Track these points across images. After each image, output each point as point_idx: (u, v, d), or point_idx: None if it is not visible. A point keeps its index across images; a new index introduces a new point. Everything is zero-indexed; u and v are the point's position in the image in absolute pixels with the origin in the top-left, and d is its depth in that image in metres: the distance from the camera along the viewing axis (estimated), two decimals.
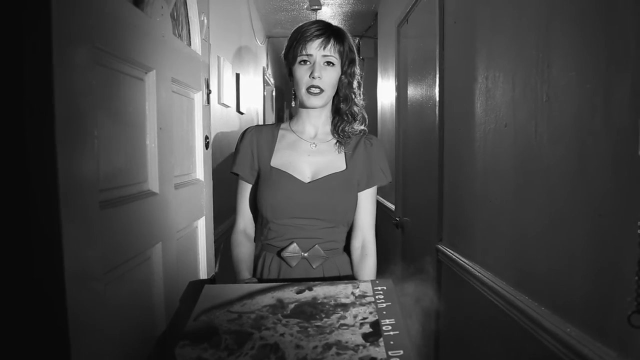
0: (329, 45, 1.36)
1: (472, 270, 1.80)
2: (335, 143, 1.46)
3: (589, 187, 1.09)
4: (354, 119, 1.46)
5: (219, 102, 2.83)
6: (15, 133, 0.69)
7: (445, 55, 2.24)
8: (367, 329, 0.79)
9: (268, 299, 0.93)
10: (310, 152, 1.44)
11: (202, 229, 1.48)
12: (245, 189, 1.47)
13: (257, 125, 1.50)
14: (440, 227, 2.29)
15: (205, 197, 1.48)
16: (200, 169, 1.46)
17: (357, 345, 0.74)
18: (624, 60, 0.97)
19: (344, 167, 1.44)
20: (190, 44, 1.43)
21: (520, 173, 1.44)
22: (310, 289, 0.96)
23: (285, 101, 8.05)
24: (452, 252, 2.09)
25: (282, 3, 4.37)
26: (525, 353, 1.40)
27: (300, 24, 1.40)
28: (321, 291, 0.94)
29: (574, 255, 1.15)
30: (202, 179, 1.47)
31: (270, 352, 0.75)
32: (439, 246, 2.26)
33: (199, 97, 1.44)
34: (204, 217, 1.48)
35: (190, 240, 1.40)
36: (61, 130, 0.70)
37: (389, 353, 0.73)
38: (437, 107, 2.28)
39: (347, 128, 1.45)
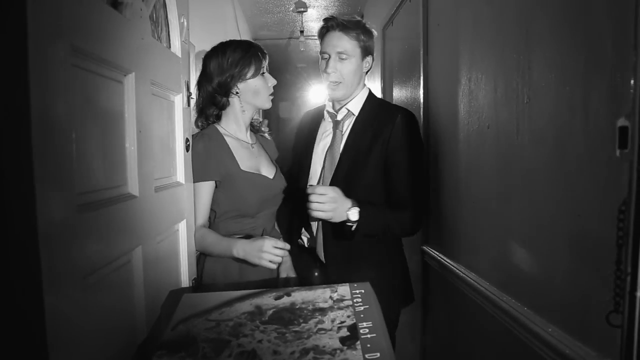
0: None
1: (457, 271, 1.81)
2: (255, 142, 1.76)
3: (568, 188, 1.10)
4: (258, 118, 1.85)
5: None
6: None
7: (429, 57, 2.25)
8: (344, 332, 0.79)
9: (246, 306, 0.93)
10: (255, 153, 1.71)
11: (184, 232, 1.47)
12: (210, 191, 1.60)
13: (202, 133, 1.64)
14: (426, 229, 2.30)
15: (186, 200, 1.47)
16: (181, 171, 1.45)
17: (335, 349, 0.74)
18: (601, 63, 0.98)
19: (270, 157, 1.79)
20: (170, 46, 1.42)
21: (502, 174, 1.44)
22: (288, 295, 0.97)
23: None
24: (438, 253, 2.09)
25: (267, 5, 4.36)
26: (509, 353, 1.41)
27: (243, 42, 1.66)
28: (299, 296, 0.95)
29: (554, 256, 1.16)
30: (183, 182, 1.45)
31: (248, 358, 0.75)
32: (425, 247, 2.26)
33: (179, 100, 1.43)
34: (185, 220, 1.47)
35: (171, 244, 1.39)
36: (38, 133, 0.69)
37: (366, 356, 0.73)
38: (421, 109, 2.29)
39: (259, 125, 1.83)
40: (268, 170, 1.70)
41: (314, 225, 1.72)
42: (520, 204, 1.33)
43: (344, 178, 1.63)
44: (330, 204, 1.46)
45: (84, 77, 0.88)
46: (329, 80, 1.68)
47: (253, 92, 1.63)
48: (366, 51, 1.69)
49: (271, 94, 1.67)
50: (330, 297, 0.93)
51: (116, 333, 1.00)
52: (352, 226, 1.51)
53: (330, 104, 1.77)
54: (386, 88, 3.32)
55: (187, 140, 1.48)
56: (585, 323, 1.05)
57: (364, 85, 1.77)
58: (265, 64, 1.65)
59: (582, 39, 1.05)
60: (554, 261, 1.16)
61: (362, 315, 0.85)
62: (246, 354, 0.76)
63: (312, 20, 4.85)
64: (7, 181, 0.68)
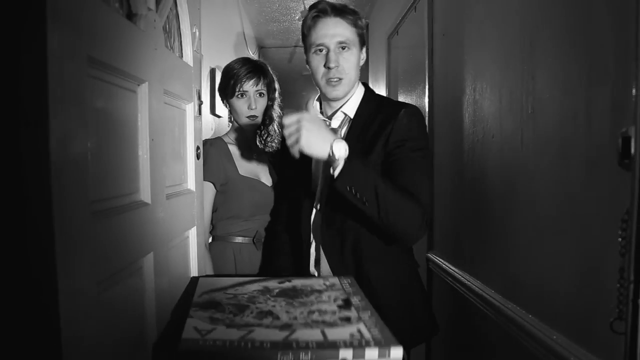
0: (260, 82, 1.78)
1: (462, 278, 1.82)
2: (261, 153, 1.88)
3: (572, 197, 1.12)
4: (275, 132, 1.88)
5: (212, 113, 2.84)
6: (11, 145, 0.70)
7: (434, 67, 2.28)
8: (340, 302, 1.01)
9: (256, 286, 1.13)
10: (256, 161, 1.84)
11: (194, 239, 1.49)
12: (210, 194, 1.74)
13: (211, 141, 1.80)
14: (431, 236, 2.31)
15: (196, 207, 1.49)
16: (191, 179, 1.47)
17: (334, 311, 0.96)
18: (603, 74, 1.00)
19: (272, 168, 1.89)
20: (182, 56, 1.45)
21: (507, 183, 1.46)
22: (289, 281, 1.17)
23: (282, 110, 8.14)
24: (442, 261, 2.11)
25: (274, 14, 4.40)
26: None
27: (232, 64, 1.81)
28: (299, 282, 1.16)
29: (559, 264, 1.17)
30: (193, 189, 1.47)
31: (266, 315, 0.95)
32: (430, 255, 2.28)
33: (190, 108, 1.45)
34: (195, 227, 1.49)
35: (182, 250, 1.40)
36: (55, 142, 0.70)
37: (359, 314, 0.93)
38: (426, 118, 2.31)
39: (269, 139, 1.87)
40: (267, 179, 1.83)
41: (314, 255, 1.47)
42: (524, 212, 1.35)
43: None
44: (302, 130, 1.17)
45: (100, 87, 0.90)
46: (328, 77, 1.37)
47: (232, 109, 1.82)
48: (363, 41, 1.42)
49: (250, 117, 1.78)
50: (324, 284, 1.14)
51: (127, 338, 1.01)
52: (335, 170, 1.20)
53: (317, 109, 1.50)
54: (391, 96, 3.34)
55: (197, 148, 1.51)
56: (589, 330, 1.06)
57: (359, 82, 1.48)
58: (249, 87, 1.76)
59: (584, 49, 1.07)
60: (558, 269, 1.18)
61: (351, 294, 1.07)
62: (264, 312, 0.96)
63: None
64: (25, 189, 0.71)
